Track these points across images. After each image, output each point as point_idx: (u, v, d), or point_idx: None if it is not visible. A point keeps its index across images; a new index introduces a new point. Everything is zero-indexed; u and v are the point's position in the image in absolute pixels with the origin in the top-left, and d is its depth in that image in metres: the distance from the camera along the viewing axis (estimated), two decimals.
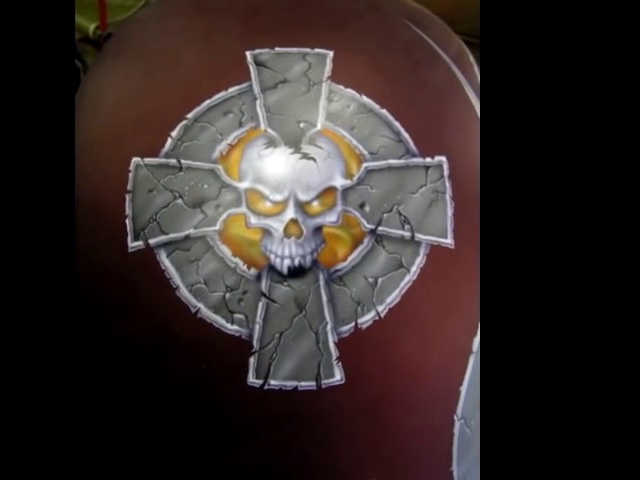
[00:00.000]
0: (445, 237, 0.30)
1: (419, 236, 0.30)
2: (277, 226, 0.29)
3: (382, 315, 0.29)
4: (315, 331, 0.28)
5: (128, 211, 0.30)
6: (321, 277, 0.29)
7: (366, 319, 0.29)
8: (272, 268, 0.29)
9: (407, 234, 0.30)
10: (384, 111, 0.31)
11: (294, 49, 0.32)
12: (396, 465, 0.31)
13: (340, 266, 0.29)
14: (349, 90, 0.31)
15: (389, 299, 0.29)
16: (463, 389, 0.31)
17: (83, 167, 0.31)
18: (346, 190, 0.29)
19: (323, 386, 0.29)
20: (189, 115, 0.30)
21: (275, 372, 0.28)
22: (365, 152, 0.30)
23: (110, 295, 0.30)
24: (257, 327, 0.28)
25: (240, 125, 0.30)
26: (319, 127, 0.30)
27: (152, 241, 0.29)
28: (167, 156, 0.30)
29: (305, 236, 0.29)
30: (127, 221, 0.29)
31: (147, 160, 0.30)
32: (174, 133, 0.30)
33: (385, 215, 0.29)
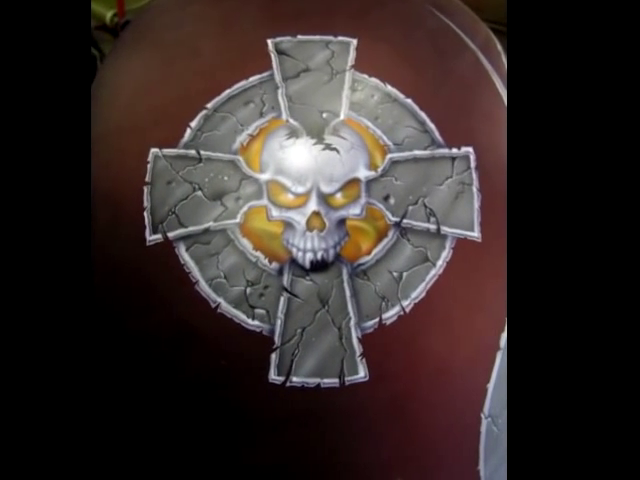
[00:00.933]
0: (472, 230, 0.29)
1: (445, 229, 0.29)
2: (299, 219, 0.28)
3: (407, 310, 0.28)
4: (338, 327, 0.28)
5: (146, 203, 0.29)
6: (344, 271, 0.28)
7: (391, 314, 0.28)
8: (294, 262, 0.28)
9: (433, 227, 0.29)
10: (409, 100, 0.30)
11: (317, 37, 0.31)
12: (421, 464, 0.30)
13: (364, 260, 0.28)
14: (373, 79, 0.31)
15: (414, 294, 0.28)
16: (490, 386, 0.30)
17: (100, 158, 0.31)
18: (370, 182, 0.29)
19: (346, 383, 0.28)
20: (209, 105, 0.30)
21: (297, 369, 0.28)
22: (390, 143, 0.29)
23: (128, 289, 0.30)
24: (279, 322, 0.28)
25: (261, 115, 0.30)
26: (342, 117, 0.30)
27: (171, 234, 0.29)
28: (186, 147, 0.29)
29: (328, 229, 0.28)
30: (145, 214, 0.29)
31: (166, 151, 0.29)
32: (193, 123, 0.30)
33: (410, 207, 0.29)
